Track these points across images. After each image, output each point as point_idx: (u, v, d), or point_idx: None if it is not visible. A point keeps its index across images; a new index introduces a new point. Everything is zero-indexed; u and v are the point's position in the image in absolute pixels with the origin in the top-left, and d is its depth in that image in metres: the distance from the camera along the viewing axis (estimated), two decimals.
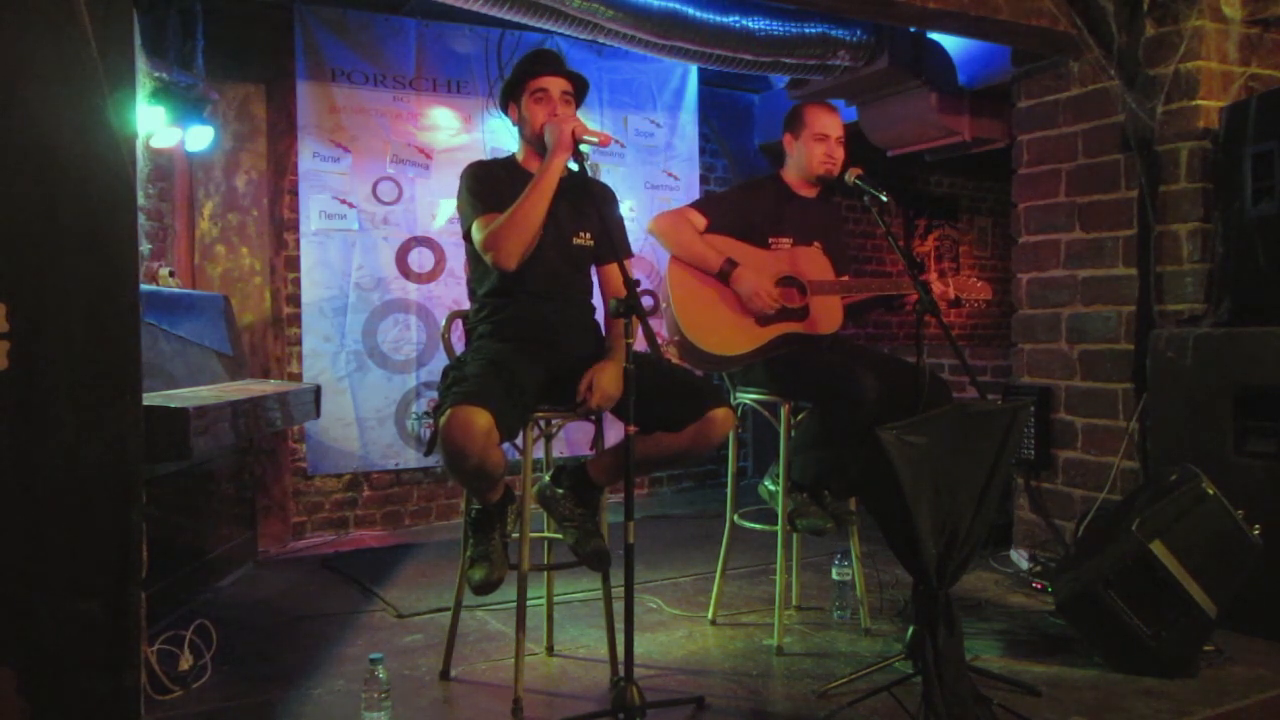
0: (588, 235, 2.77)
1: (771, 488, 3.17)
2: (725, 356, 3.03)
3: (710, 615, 3.29)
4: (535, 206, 2.55)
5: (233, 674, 2.82)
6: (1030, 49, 3.85)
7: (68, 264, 1.68)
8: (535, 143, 2.71)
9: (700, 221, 3.09)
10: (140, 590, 1.75)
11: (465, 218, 2.70)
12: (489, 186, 2.68)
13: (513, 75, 2.76)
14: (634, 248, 5.21)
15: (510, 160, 2.84)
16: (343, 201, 4.70)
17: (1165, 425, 3.40)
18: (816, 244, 3.19)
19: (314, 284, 4.67)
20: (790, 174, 3.25)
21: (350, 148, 4.71)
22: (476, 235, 2.62)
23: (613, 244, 2.64)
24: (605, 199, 2.83)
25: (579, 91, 2.77)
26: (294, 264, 4.66)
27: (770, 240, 3.13)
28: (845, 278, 3.21)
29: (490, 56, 4.99)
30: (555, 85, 2.71)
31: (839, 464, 3.04)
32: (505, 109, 2.82)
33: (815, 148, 3.15)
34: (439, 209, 4.89)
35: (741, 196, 3.32)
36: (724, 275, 3.01)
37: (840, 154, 3.17)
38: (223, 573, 3.77)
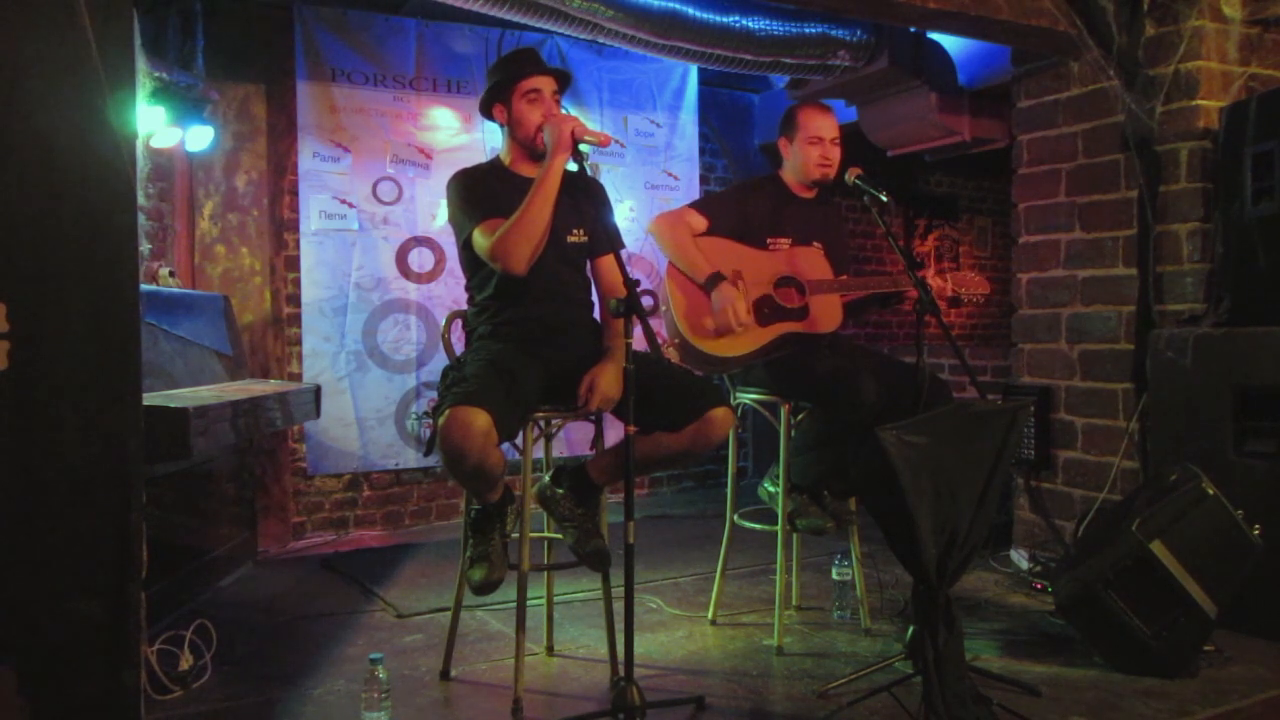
0: (581, 232, 2.77)
1: (771, 489, 3.17)
2: (726, 358, 3.03)
3: (710, 615, 3.29)
4: (541, 210, 2.54)
5: (233, 674, 2.82)
6: (1030, 49, 3.84)
7: (68, 264, 1.68)
8: (528, 144, 2.69)
9: (700, 222, 3.09)
10: (140, 590, 1.75)
11: (462, 228, 2.67)
12: (481, 193, 2.67)
13: (498, 77, 2.72)
14: (633, 246, 5.29)
15: (496, 164, 2.81)
16: (343, 201, 4.70)
17: (1165, 425, 3.40)
18: (816, 244, 3.19)
19: (314, 284, 4.67)
20: (788, 175, 3.25)
21: (350, 148, 4.71)
22: (481, 243, 2.60)
23: (608, 235, 2.65)
24: (600, 196, 2.83)
25: (563, 88, 2.76)
26: (294, 264, 4.66)
27: (769, 240, 3.13)
28: (844, 277, 3.21)
29: (490, 56, 4.99)
30: (547, 84, 2.69)
31: (839, 465, 3.04)
32: (488, 112, 2.77)
33: (810, 151, 3.14)
34: (439, 209, 4.88)
35: (740, 196, 3.31)
36: (708, 287, 2.97)
37: (836, 155, 3.16)
38: (223, 573, 3.77)
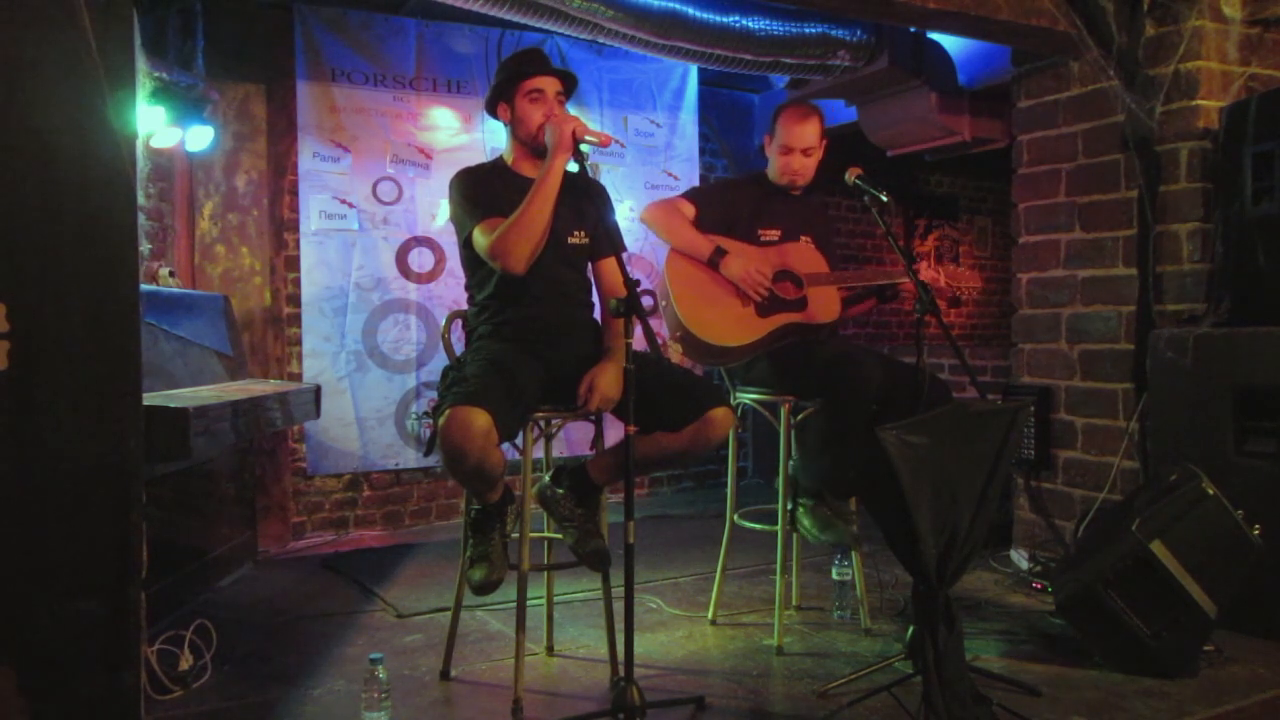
0: (582, 234, 2.77)
1: (806, 524, 3.10)
2: (728, 347, 3.03)
3: (710, 615, 3.29)
4: (541, 209, 2.54)
5: (233, 674, 2.82)
6: (1030, 49, 3.85)
7: (68, 264, 1.68)
8: (530, 143, 2.70)
9: (689, 210, 3.14)
10: (140, 590, 1.75)
11: (463, 226, 2.68)
12: (483, 192, 2.67)
13: (503, 75, 2.73)
14: (633, 246, 5.29)
15: (499, 163, 2.82)
16: (343, 201, 4.71)
17: (1165, 425, 3.40)
18: (805, 238, 3.22)
19: (314, 284, 4.67)
20: (771, 171, 3.28)
21: (350, 148, 4.72)
22: (481, 242, 2.60)
23: (609, 237, 2.66)
24: (602, 197, 2.83)
25: (569, 90, 2.77)
26: (294, 264, 4.66)
27: (759, 232, 3.17)
28: (843, 272, 3.25)
29: (490, 56, 4.99)
30: (550, 85, 2.70)
31: (852, 462, 3.03)
32: (493, 110, 2.78)
33: (778, 160, 3.20)
34: (439, 209, 4.89)
35: (725, 190, 3.41)
36: (714, 262, 3.05)
37: (808, 166, 3.19)
38: (223, 573, 3.77)
